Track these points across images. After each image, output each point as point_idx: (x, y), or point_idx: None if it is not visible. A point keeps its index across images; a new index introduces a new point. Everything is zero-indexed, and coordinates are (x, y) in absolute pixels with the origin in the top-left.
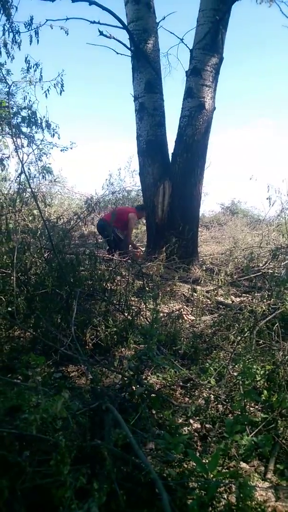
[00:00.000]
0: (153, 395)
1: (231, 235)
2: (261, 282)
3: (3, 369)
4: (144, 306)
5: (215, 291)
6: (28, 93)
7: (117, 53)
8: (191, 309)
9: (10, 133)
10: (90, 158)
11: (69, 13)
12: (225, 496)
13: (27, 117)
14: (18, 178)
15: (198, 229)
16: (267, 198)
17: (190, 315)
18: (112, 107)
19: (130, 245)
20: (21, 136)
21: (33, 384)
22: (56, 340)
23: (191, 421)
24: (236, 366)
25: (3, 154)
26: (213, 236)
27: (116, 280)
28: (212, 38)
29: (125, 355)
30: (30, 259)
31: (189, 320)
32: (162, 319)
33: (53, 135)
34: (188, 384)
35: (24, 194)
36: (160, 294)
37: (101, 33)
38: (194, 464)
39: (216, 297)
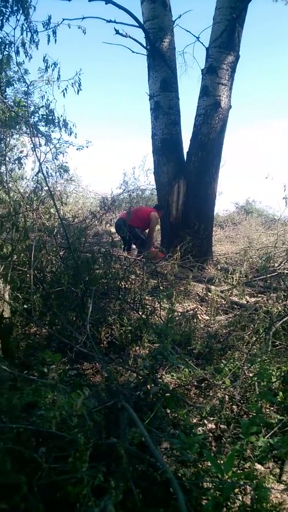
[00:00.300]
0: (168, 394)
1: (245, 235)
2: (276, 283)
3: (20, 365)
4: (159, 305)
5: (230, 291)
6: (46, 92)
7: (133, 52)
8: (205, 308)
9: (28, 132)
10: (105, 156)
11: (86, 13)
12: (240, 498)
13: (45, 116)
14: (36, 177)
15: (213, 228)
16: (284, 198)
17: (204, 314)
18: (128, 106)
19: (152, 245)
20: (39, 135)
21: (52, 381)
22: (72, 337)
23: (206, 421)
24: (252, 367)
25: (21, 152)
26: (228, 235)
27: (130, 279)
28: (229, 36)
29: (139, 354)
30: (46, 257)
31: (204, 320)
32: (177, 318)
33: (70, 134)
34: (203, 384)
35: (41, 192)
36: (174, 293)
37: (117, 31)
38: (209, 464)
39: (230, 297)
